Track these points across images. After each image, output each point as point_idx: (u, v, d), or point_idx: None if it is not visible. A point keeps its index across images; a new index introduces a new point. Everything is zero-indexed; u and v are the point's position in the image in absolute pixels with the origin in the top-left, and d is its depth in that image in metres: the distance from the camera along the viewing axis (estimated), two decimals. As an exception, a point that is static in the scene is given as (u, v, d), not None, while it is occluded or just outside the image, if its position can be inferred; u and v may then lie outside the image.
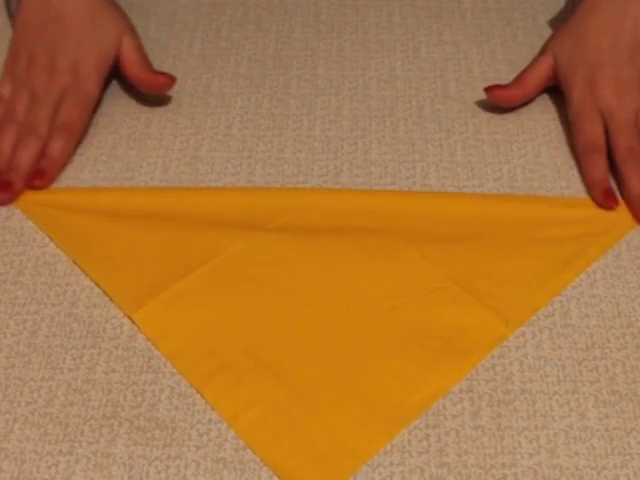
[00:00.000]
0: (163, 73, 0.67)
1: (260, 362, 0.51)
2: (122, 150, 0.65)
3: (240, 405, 0.49)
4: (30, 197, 0.61)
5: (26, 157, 0.61)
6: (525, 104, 0.67)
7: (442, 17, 0.76)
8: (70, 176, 0.63)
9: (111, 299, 0.55)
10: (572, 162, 0.63)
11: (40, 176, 0.61)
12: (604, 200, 0.59)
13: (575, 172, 0.62)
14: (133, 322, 0.54)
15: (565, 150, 0.64)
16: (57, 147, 0.62)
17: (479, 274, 0.55)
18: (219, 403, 0.50)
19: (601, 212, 0.59)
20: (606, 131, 0.61)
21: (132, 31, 0.69)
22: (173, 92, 0.69)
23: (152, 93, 0.68)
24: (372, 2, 0.77)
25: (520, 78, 0.67)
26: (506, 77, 0.69)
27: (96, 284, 0.56)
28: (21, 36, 0.67)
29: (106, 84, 0.70)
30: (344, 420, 0.49)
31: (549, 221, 0.58)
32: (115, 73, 0.69)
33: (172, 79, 0.67)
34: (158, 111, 0.68)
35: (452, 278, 0.55)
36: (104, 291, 0.55)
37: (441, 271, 0.55)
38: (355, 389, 0.50)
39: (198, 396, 0.51)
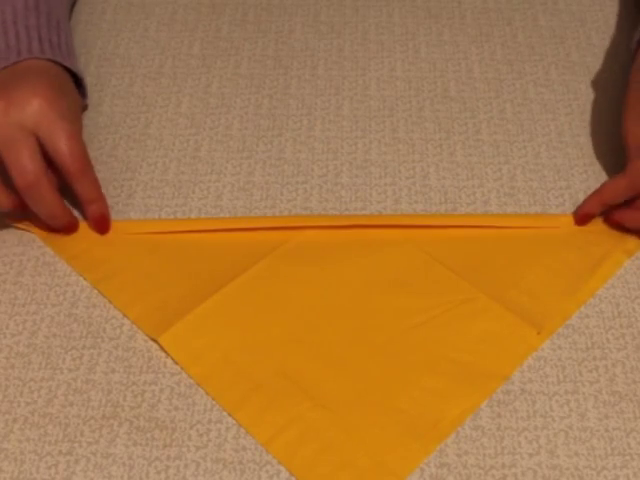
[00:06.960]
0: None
1: (293, 382, 0.50)
2: (122, 150, 0.65)
3: (276, 428, 0.49)
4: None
5: None
6: None
7: (442, 17, 0.75)
8: (70, 176, 0.63)
9: (136, 325, 0.54)
10: (572, 162, 0.63)
11: None
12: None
13: (575, 172, 0.62)
14: (160, 346, 0.53)
15: (565, 150, 0.64)
16: None
17: (508, 284, 0.55)
18: (254, 427, 0.49)
19: None
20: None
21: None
22: (173, 92, 0.69)
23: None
24: (372, 2, 0.77)
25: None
26: (506, 77, 0.70)
27: (119, 311, 0.55)
28: None
29: (105, 84, 0.70)
30: (382, 438, 0.48)
31: (573, 229, 0.58)
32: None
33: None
34: (158, 111, 0.68)
35: (481, 289, 0.54)
36: (128, 317, 0.54)
37: (469, 283, 0.55)
38: (391, 406, 0.49)
39: (198, 396, 0.51)
